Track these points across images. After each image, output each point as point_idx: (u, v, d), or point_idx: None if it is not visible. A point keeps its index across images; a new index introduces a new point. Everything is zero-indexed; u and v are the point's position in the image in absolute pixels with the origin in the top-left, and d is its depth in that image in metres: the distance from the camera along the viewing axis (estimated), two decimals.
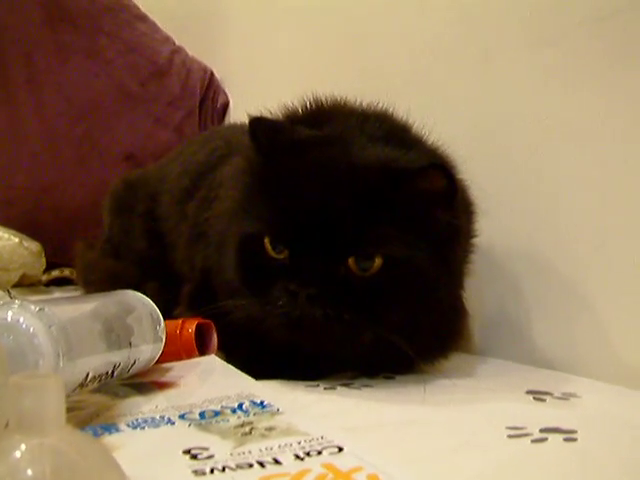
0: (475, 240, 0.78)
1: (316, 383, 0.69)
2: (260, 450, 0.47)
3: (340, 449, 0.47)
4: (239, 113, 1.40)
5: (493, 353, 0.87)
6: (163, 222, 1.01)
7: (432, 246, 0.67)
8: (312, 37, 1.29)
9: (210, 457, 0.46)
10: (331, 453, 0.46)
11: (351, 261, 0.66)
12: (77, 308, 0.58)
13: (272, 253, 0.69)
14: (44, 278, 1.36)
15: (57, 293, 1.31)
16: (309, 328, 0.66)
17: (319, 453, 0.47)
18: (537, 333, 0.84)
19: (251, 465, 0.45)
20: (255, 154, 0.73)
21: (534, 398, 0.64)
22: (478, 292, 0.83)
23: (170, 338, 0.74)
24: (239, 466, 0.45)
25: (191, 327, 0.77)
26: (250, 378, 0.66)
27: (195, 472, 0.44)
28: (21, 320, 0.51)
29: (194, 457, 0.46)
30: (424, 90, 0.95)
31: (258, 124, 0.73)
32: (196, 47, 1.55)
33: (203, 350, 0.78)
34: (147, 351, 0.67)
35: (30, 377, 0.38)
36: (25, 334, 0.50)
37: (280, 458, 0.46)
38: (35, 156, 1.36)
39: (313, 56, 1.28)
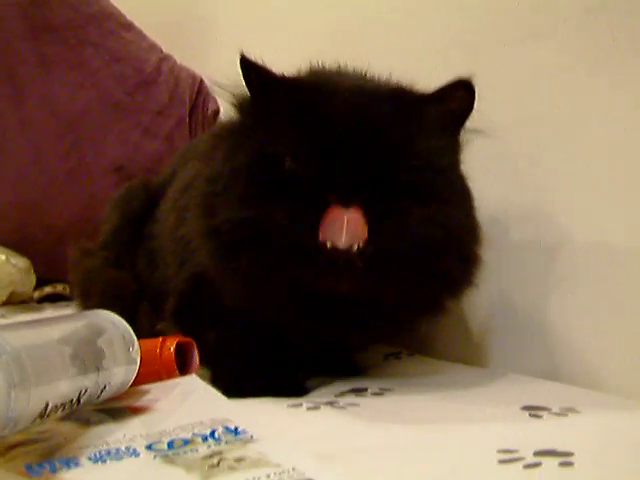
0: None
1: (300, 402, 0.65)
2: None
3: None
4: None
5: (492, 364, 0.83)
6: (155, 240, 0.92)
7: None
8: (302, 41, 1.25)
9: None
10: None
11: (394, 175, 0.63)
12: (39, 332, 0.54)
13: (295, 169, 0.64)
14: (36, 295, 1.32)
15: (49, 310, 1.27)
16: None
17: None
18: (537, 342, 0.80)
19: None
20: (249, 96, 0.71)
21: (530, 415, 0.60)
22: (472, 297, 0.78)
23: (150, 358, 0.71)
24: None
25: (171, 346, 0.74)
26: (228, 401, 0.62)
27: None
28: None
29: None
30: None
31: (249, 66, 0.72)
32: (185, 55, 1.51)
33: (184, 369, 0.74)
34: (119, 374, 0.63)
35: None
36: None
37: None
38: (21, 171, 1.32)
39: (303, 60, 1.24)
